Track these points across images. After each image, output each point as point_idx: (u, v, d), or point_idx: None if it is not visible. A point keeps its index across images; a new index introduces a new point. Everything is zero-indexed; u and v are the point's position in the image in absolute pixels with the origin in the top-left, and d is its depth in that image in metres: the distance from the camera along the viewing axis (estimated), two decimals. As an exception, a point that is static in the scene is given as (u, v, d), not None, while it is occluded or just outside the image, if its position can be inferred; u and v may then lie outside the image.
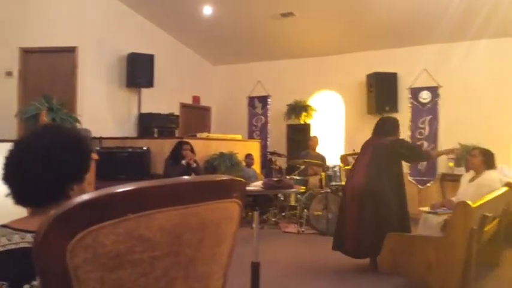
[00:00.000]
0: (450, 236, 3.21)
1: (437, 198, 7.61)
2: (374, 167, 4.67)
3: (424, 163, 8.22)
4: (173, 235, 0.90)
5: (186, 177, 0.97)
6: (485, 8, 6.91)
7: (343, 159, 7.91)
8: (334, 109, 9.56)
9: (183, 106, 9.80)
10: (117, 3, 8.22)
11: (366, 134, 8.72)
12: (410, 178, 8.39)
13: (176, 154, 6.65)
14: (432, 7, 7.19)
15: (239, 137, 8.60)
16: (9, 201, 1.26)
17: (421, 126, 8.50)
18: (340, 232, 4.83)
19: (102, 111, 7.95)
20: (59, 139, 1.29)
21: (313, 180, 7.65)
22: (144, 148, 7.09)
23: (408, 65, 8.56)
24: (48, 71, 7.68)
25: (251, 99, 10.35)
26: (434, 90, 8.44)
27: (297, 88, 9.56)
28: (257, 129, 10.32)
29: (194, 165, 6.64)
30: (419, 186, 8.44)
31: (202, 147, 7.43)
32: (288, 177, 7.56)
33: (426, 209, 4.72)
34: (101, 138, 7.33)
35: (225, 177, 1.06)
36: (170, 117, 8.45)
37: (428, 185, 8.39)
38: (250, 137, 10.14)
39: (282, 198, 7.52)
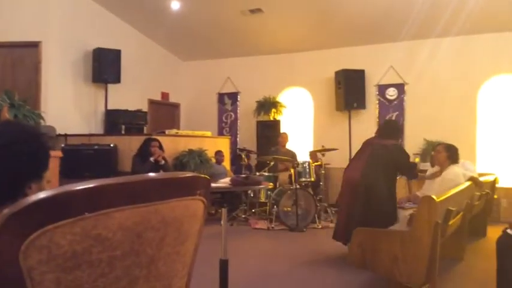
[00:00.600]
0: (415, 229, 3.27)
1: (404, 193, 7.76)
2: (371, 163, 4.79)
3: None
4: (133, 234, 0.88)
5: (147, 174, 0.95)
6: (450, 6, 7.07)
7: (313, 155, 7.99)
8: (303, 106, 9.62)
9: (152, 102, 9.67)
10: (83, -3, 8.05)
11: (335, 130, 8.96)
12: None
13: (144, 151, 6.56)
14: (399, 5, 7.31)
15: (209, 133, 8.55)
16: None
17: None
18: (337, 223, 5.12)
19: (67, 108, 7.76)
20: (15, 136, 1.24)
21: (283, 177, 7.68)
22: (111, 145, 6.96)
23: (376, 62, 8.69)
24: (11, 67, 7.45)
25: (221, 96, 10.31)
26: (400, 87, 8.60)
27: (266, 85, 9.58)
28: (227, 126, 10.28)
29: (162, 162, 6.57)
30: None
31: (171, 144, 7.35)
32: (257, 173, 7.57)
33: (392, 203, 4.80)
34: (66, 135, 7.17)
35: (188, 174, 1.04)
36: (138, 113, 8.31)
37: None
38: (220, 133, 10.10)
39: (252, 195, 7.52)
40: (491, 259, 3.48)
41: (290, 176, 7.25)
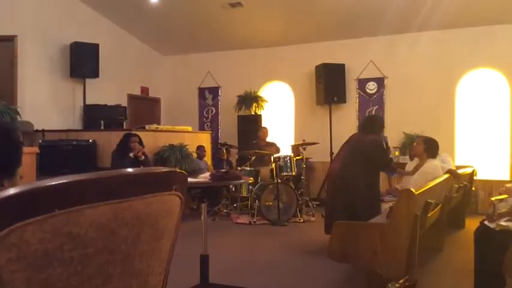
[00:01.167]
0: (394, 222, 3.30)
1: (384, 186, 7.84)
2: (349, 158, 4.89)
3: None
4: (107, 231, 0.86)
5: (121, 170, 0.93)
6: (429, 0, 7.14)
7: (295, 149, 8.00)
8: (284, 100, 9.63)
9: (131, 97, 9.57)
10: (59, -10, 7.90)
11: (315, 124, 8.99)
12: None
13: (123, 146, 6.49)
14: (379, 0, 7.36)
15: (189, 128, 8.50)
16: None
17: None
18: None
19: (45, 103, 7.64)
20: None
21: (265, 171, 7.68)
22: (90, 141, 6.87)
23: (356, 57, 8.74)
24: (-15, 61, 7.29)
25: (201, 90, 10.25)
26: (380, 81, 8.67)
27: (247, 79, 9.55)
28: (208, 121, 10.24)
29: (142, 157, 6.50)
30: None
31: (152, 139, 7.29)
32: (239, 168, 7.55)
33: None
34: (43, 131, 7.05)
35: (163, 169, 1.02)
36: (117, 108, 8.22)
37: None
38: (201, 128, 10.05)
39: (234, 190, 7.51)
40: (470, 250, 3.55)
41: (272, 170, 7.25)
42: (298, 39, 9.03)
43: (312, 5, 7.78)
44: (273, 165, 7.08)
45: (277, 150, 7.84)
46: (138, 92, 9.84)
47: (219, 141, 9.59)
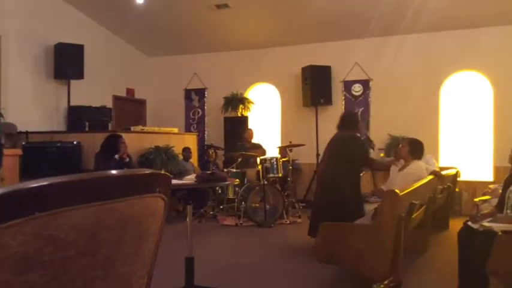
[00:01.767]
0: (379, 223, 3.32)
1: (370, 187, 7.90)
2: (331, 157, 5.02)
3: None
4: (88, 234, 0.85)
5: (103, 171, 0.92)
6: (414, 3, 7.21)
7: (282, 151, 8.01)
8: (270, 102, 9.64)
9: (117, 99, 9.49)
10: (43, -10, 7.81)
11: (302, 126, 9.01)
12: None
13: (108, 148, 6.41)
14: (365, 2, 7.41)
15: (175, 130, 8.46)
16: None
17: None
18: None
19: (28, 104, 7.54)
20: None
21: (251, 173, 7.68)
22: (74, 142, 6.80)
23: (342, 59, 8.78)
24: (-33, 61, 7.16)
25: (187, 92, 10.21)
26: (366, 84, 8.73)
27: (233, 81, 9.54)
28: (194, 122, 10.20)
29: (127, 159, 6.46)
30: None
31: (137, 141, 7.24)
32: (225, 170, 7.54)
33: (358, 198, 4.88)
34: (27, 133, 6.97)
35: (146, 171, 1.01)
36: (102, 110, 8.14)
37: (361, 175, 8.66)
38: (188, 130, 10.01)
39: (220, 192, 7.50)
40: (454, 250, 3.58)
41: (258, 172, 7.25)
42: (284, 41, 9.05)
43: (299, 7, 7.80)
44: (260, 167, 7.09)
45: (263, 152, 7.85)
46: (123, 94, 9.77)
47: (206, 143, 9.56)
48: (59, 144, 6.76)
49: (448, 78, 8.22)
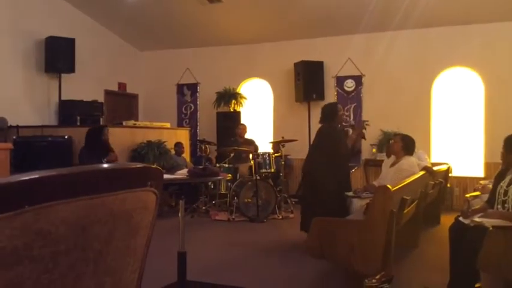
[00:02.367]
0: (371, 218, 3.33)
1: (362, 183, 7.93)
2: (314, 150, 5.10)
3: None
4: (78, 228, 0.84)
5: (94, 165, 0.90)
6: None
7: (275, 146, 8.02)
8: (263, 97, 9.63)
9: (108, 93, 9.43)
10: (34, -17, 7.72)
11: (294, 121, 9.01)
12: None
13: (91, 141, 6.32)
14: (356, -2, 7.41)
15: (168, 125, 8.43)
16: None
17: (346, 114, 8.76)
18: None
19: (19, 98, 7.47)
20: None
21: (244, 168, 7.67)
22: (66, 137, 6.75)
23: (334, 54, 8.78)
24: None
25: (180, 87, 10.17)
26: (358, 79, 8.74)
27: (226, 76, 9.51)
28: (186, 117, 10.17)
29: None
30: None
31: (129, 136, 7.21)
32: (217, 165, 7.52)
33: (350, 193, 4.89)
34: (17, 127, 6.91)
35: (138, 165, 1.00)
36: (94, 104, 8.08)
37: (353, 170, 8.67)
38: (180, 125, 9.98)
39: (212, 187, 7.48)
40: (445, 246, 3.60)
41: (250, 167, 7.25)
42: (277, 36, 9.03)
43: (291, 3, 7.79)
44: (252, 162, 7.08)
45: (256, 149, 7.83)
46: (115, 88, 9.71)
47: (198, 138, 9.54)
48: (50, 139, 6.71)
49: (440, 75, 8.25)
